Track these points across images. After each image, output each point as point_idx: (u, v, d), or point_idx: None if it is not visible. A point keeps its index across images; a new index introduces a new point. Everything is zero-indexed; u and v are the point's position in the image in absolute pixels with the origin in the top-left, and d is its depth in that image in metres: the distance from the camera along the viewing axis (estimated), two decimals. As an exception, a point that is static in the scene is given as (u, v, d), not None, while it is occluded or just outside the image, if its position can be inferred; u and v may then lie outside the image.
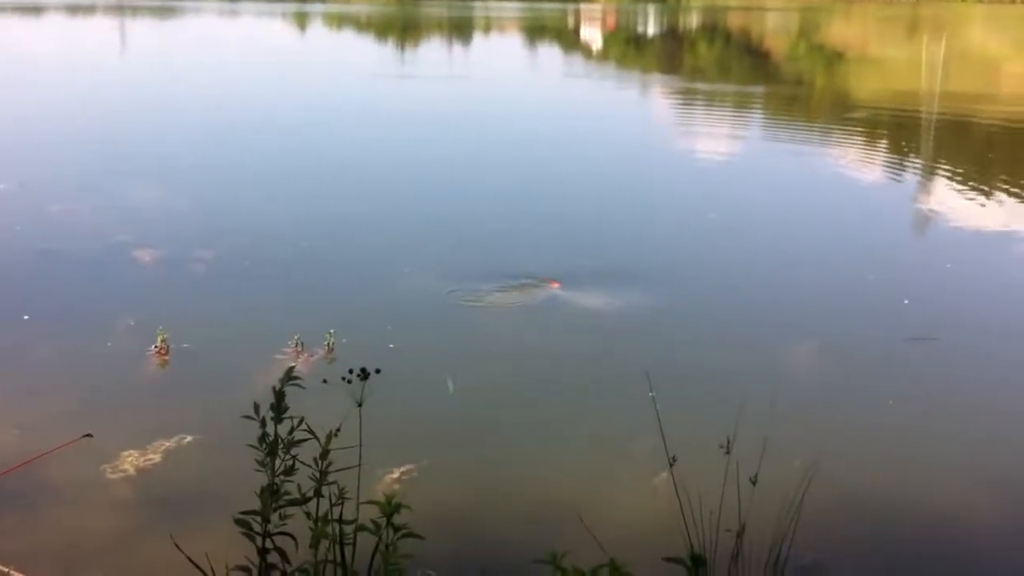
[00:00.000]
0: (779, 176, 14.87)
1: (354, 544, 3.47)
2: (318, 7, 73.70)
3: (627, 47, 47.29)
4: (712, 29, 57.53)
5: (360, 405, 3.49)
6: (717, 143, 17.56)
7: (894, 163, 16.06)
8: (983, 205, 12.89)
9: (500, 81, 28.94)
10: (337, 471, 3.46)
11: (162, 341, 7.16)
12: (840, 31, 57.92)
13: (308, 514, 3.41)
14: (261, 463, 3.36)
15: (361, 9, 73.31)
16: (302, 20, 59.01)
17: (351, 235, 10.78)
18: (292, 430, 3.36)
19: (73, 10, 59.48)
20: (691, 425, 5.85)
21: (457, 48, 43.10)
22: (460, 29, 53.70)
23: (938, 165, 16.13)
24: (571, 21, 65.16)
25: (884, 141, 18.66)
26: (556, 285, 8.75)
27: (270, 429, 3.35)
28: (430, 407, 6.50)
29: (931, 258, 10.45)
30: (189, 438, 5.88)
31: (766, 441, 4.45)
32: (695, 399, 6.57)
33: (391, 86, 26.42)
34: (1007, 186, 14.00)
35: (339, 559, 3.45)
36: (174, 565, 3.83)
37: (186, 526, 4.83)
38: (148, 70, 29.34)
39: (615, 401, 6.63)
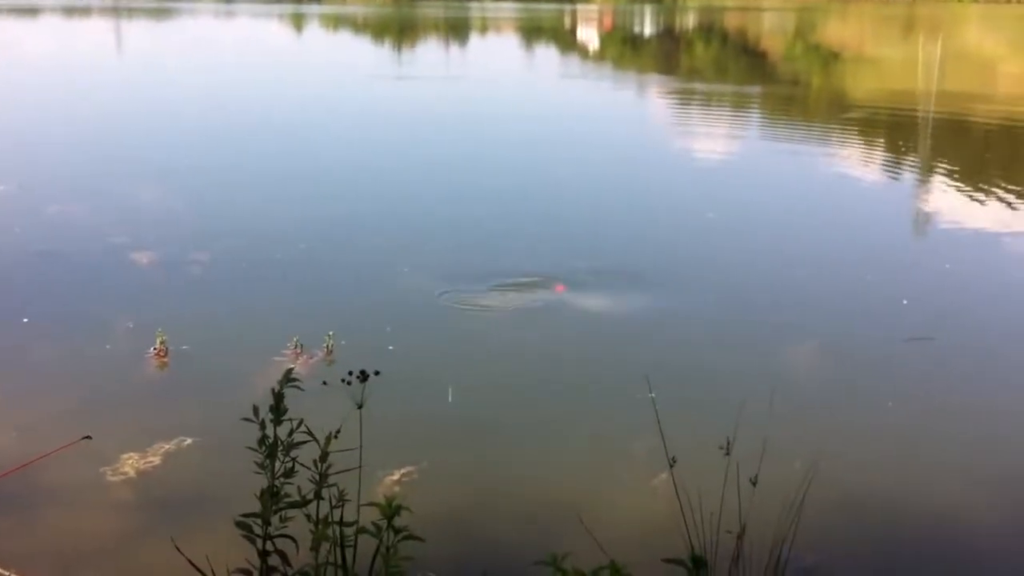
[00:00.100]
0: (777, 176, 14.88)
1: (355, 546, 3.47)
2: (314, 8, 73.72)
3: (624, 47, 47.32)
4: (709, 29, 57.57)
5: (360, 407, 3.48)
6: (715, 143, 17.57)
7: (892, 163, 16.08)
8: (981, 205, 12.90)
9: (497, 82, 28.94)
10: (337, 473, 3.46)
11: (161, 343, 7.15)
12: (836, 31, 57.99)
13: (308, 516, 3.40)
14: (261, 465, 3.36)
15: (357, 10, 73.33)
16: (298, 21, 58.99)
17: (350, 236, 10.77)
18: (292, 432, 3.36)
19: (69, 12, 59.47)
20: (691, 426, 5.85)
21: (454, 49, 43.10)
22: (457, 30, 53.70)
23: (935, 165, 16.15)
24: (568, 22, 65.19)
25: (881, 141, 18.68)
26: (560, 289, 8.74)
27: (270, 431, 3.34)
28: (430, 409, 6.49)
29: (930, 258, 10.46)
30: (189, 440, 5.88)
31: (766, 442, 4.44)
32: (695, 400, 6.57)
33: (388, 87, 26.42)
34: (1004, 185, 14.01)
35: (340, 561, 3.44)
36: (174, 568, 3.82)
37: (186, 528, 4.83)
38: (145, 71, 29.33)
39: (615, 402, 6.63)
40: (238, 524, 3.35)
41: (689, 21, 66.93)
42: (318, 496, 3.42)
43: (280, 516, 3.35)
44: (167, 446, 5.80)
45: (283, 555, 3.38)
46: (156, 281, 8.94)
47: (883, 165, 15.85)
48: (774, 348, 7.61)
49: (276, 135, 17.73)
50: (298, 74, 29.32)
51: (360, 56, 38.09)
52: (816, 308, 8.64)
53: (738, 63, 39.51)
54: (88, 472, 5.47)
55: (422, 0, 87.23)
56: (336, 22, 59.69)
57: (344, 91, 25.66)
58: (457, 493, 5.48)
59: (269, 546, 3.37)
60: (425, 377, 6.95)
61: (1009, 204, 12.92)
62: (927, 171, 15.42)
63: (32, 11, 58.46)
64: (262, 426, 3.34)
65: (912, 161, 16.36)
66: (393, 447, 5.74)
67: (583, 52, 43.55)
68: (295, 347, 7.17)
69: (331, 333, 7.23)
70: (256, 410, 3.33)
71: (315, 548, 3.31)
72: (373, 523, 3.33)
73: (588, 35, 54.11)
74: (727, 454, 3.76)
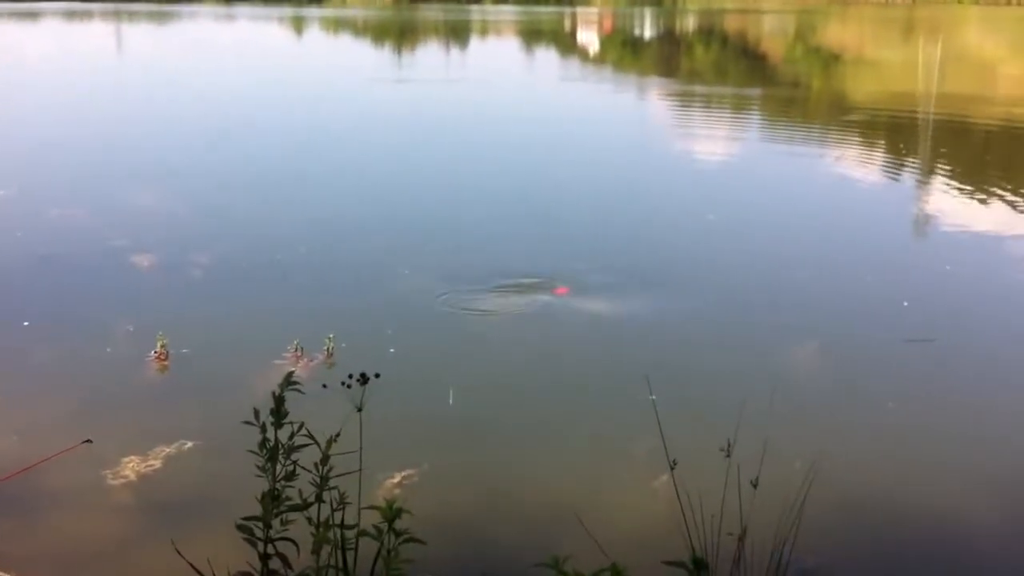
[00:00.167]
0: (777, 178, 14.88)
1: (356, 549, 3.47)
2: (314, 11, 73.77)
3: (624, 50, 47.33)
4: (709, 32, 57.58)
5: (360, 410, 3.49)
6: (715, 145, 17.58)
7: (892, 165, 16.08)
8: (981, 206, 12.91)
9: (497, 84, 28.95)
10: (338, 476, 3.46)
11: (162, 346, 7.16)
12: (836, 33, 58.00)
13: (309, 519, 3.41)
14: (262, 468, 3.36)
15: (357, 13, 73.38)
16: (298, 24, 59.02)
17: (350, 239, 10.78)
18: (292, 435, 3.36)
19: (70, 15, 59.52)
20: (692, 427, 5.86)
21: (454, 52, 43.13)
22: (457, 33, 53.73)
23: (936, 167, 16.15)
24: (568, 24, 65.21)
25: (881, 143, 18.67)
26: (562, 291, 8.74)
27: (270, 434, 3.35)
28: (431, 411, 6.49)
29: (930, 259, 10.46)
30: (190, 443, 5.88)
31: (767, 443, 4.45)
32: (695, 401, 6.57)
33: (389, 90, 26.43)
34: (1005, 187, 14.01)
35: (341, 564, 3.45)
36: (175, 571, 3.82)
37: (187, 532, 4.83)
38: (145, 75, 29.35)
39: (616, 403, 6.63)
40: (239, 527, 3.35)
41: (689, 24, 66.94)
42: (319, 499, 3.43)
43: (281, 519, 3.36)
44: (168, 449, 5.80)
45: (284, 558, 3.38)
46: (157, 284, 8.95)
47: (883, 167, 15.85)
48: (774, 349, 7.61)
49: (277, 138, 17.73)
50: (298, 77, 29.34)
51: (360, 59, 38.11)
52: (816, 309, 8.64)
53: (738, 65, 39.52)
54: (89, 475, 5.48)
55: (422, 3, 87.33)
56: (336, 25, 59.73)
57: (344, 94, 25.67)
58: (458, 495, 5.48)
59: (270, 549, 3.37)
60: (426, 379, 6.95)
61: (1010, 206, 12.91)
62: (927, 173, 15.42)
63: (33, 15, 58.52)
64: (263, 429, 3.34)
65: (912, 163, 16.36)
66: (394, 449, 5.74)
67: (583, 55, 43.56)
68: (296, 350, 7.17)
69: (332, 336, 7.23)
70: (257, 413, 3.34)
71: (316, 551, 3.31)
72: (374, 526, 3.33)
73: (588, 38, 54.11)
74: (728, 455, 3.76)
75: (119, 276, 9.16)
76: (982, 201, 13.25)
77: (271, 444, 3.34)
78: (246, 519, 3.35)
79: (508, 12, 76.33)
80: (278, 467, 3.35)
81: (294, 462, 3.36)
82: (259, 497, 3.35)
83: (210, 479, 5.56)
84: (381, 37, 50.61)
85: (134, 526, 5.16)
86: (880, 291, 9.05)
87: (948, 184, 14.60)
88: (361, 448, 3.55)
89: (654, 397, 5.73)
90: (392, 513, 3.32)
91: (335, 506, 3.46)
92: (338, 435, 3.45)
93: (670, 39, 54.38)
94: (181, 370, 7.03)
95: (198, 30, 53.20)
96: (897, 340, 7.77)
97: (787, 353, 7.52)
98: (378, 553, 3.33)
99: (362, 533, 3.39)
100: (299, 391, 3.38)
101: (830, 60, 40.23)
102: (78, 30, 50.43)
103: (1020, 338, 8.16)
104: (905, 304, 8.63)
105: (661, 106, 25.11)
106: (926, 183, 14.70)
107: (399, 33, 53.06)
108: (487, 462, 5.91)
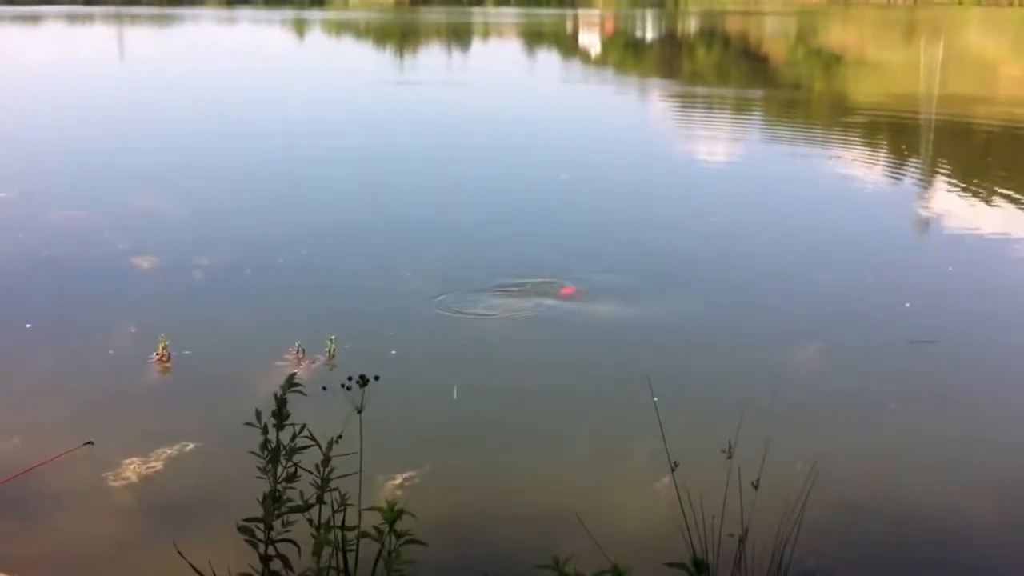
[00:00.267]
0: (779, 180, 14.88)
1: (357, 551, 3.47)
2: (316, 14, 73.83)
3: (626, 52, 47.33)
4: (710, 34, 57.57)
5: (360, 411, 3.49)
6: (717, 147, 17.58)
7: (894, 166, 16.07)
8: (983, 207, 12.90)
9: (499, 86, 28.96)
10: (339, 477, 3.46)
11: (163, 348, 7.16)
12: (838, 35, 57.99)
13: (310, 521, 3.41)
14: (263, 470, 3.36)
15: (359, 15, 73.43)
16: (300, 27, 59.07)
17: (351, 241, 10.79)
18: (294, 437, 3.36)
19: (72, 19, 59.60)
20: (693, 429, 5.86)
21: (456, 54, 43.15)
22: (459, 35, 53.76)
23: (938, 168, 16.15)
24: (569, 26, 65.23)
25: (883, 144, 18.66)
26: (568, 291, 8.74)
27: (272, 436, 3.35)
28: (432, 413, 6.50)
29: (932, 260, 10.46)
30: (191, 445, 5.88)
31: (768, 444, 4.44)
32: (697, 402, 6.57)
33: (391, 92, 26.44)
34: (1007, 188, 14.00)
35: (342, 566, 3.44)
36: (177, 572, 3.82)
37: (189, 533, 4.84)
38: (147, 78, 29.38)
39: (617, 405, 6.63)
40: (240, 529, 3.35)
41: (691, 25, 66.95)
42: (320, 500, 3.43)
43: (282, 520, 3.36)
44: (169, 451, 5.81)
45: (285, 559, 3.38)
46: (158, 286, 8.95)
47: (885, 168, 15.84)
48: (776, 350, 7.61)
49: (279, 141, 17.75)
50: (300, 80, 29.35)
51: (362, 61, 38.14)
52: (818, 311, 8.64)
53: (740, 67, 39.51)
54: (90, 477, 5.48)
55: (424, 5, 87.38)
56: (338, 27, 59.77)
57: (347, 96, 25.68)
58: (459, 497, 5.48)
59: (271, 551, 3.37)
60: (427, 381, 6.95)
61: (1011, 206, 12.91)
62: (929, 174, 15.41)
63: (35, 18, 58.60)
64: (264, 431, 3.34)
65: (914, 164, 16.35)
66: (395, 451, 5.74)
67: (585, 57, 43.56)
68: (297, 352, 7.18)
69: (333, 338, 7.23)
70: (258, 415, 3.34)
71: (317, 553, 3.31)
72: (375, 527, 3.33)
73: (590, 40, 54.11)
74: (729, 456, 3.76)
75: (121, 278, 9.17)
76: (984, 202, 13.25)
77: (272, 446, 3.34)
78: (247, 520, 3.35)
79: (510, 14, 76.38)
80: (279, 469, 3.35)
81: (295, 464, 3.36)
82: (260, 498, 3.35)
83: (211, 481, 5.57)
84: (383, 39, 50.64)
85: (135, 527, 5.17)
86: (882, 292, 9.04)
87: (950, 185, 14.60)
88: (362, 449, 3.55)
89: (656, 399, 5.73)
90: (393, 514, 3.31)
91: (336, 507, 3.46)
92: (339, 437, 3.45)
93: (672, 41, 54.40)
94: (183, 372, 7.04)
95: (200, 33, 53.26)
96: (899, 341, 7.76)
97: (788, 354, 7.52)
98: (379, 554, 3.33)
99: (363, 535, 3.38)
100: (300, 393, 3.38)
101: (832, 62, 40.21)
102: (80, 33, 50.50)
103: (1022, 339, 8.15)
104: (907, 305, 8.63)
105: (663, 108, 25.11)
106: (928, 184, 14.69)
107: (401, 35, 53.10)
108: (488, 463, 5.91)
